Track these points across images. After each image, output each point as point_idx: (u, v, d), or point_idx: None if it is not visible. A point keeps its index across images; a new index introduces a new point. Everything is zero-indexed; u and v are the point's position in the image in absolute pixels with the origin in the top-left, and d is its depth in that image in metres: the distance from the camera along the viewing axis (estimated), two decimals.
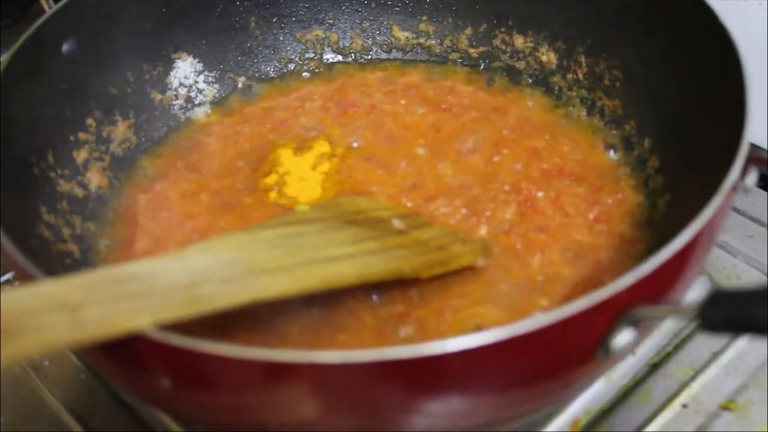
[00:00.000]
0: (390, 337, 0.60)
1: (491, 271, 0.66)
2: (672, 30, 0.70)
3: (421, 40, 0.90)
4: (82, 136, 0.74)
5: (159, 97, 0.82)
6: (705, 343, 0.69)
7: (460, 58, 0.89)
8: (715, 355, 0.68)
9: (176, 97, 0.84)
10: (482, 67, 0.88)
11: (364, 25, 0.91)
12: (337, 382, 0.44)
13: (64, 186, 0.70)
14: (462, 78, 0.87)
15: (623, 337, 0.47)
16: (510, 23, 0.86)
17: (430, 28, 0.90)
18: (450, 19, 0.89)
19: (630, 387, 0.66)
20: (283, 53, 0.89)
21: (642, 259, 0.50)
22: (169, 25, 0.82)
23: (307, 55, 0.90)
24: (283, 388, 0.45)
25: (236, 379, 0.45)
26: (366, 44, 0.91)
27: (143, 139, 0.80)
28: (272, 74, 0.89)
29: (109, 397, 0.68)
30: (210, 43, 0.86)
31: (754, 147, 0.54)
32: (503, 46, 0.87)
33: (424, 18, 0.90)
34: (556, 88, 0.83)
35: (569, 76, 0.82)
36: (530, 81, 0.85)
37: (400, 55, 0.91)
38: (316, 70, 0.90)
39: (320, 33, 0.90)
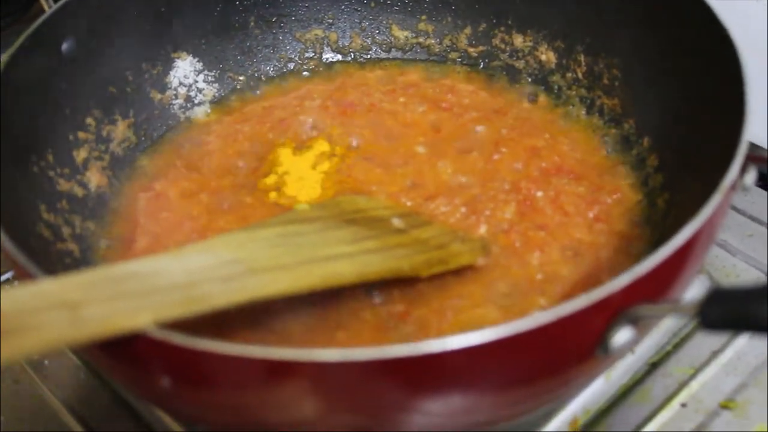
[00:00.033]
0: (390, 336, 0.61)
1: (491, 270, 0.66)
2: (671, 29, 0.70)
3: (421, 40, 0.90)
4: (81, 135, 0.74)
5: (158, 96, 0.83)
6: (704, 341, 0.69)
7: (459, 58, 0.89)
8: (715, 354, 0.68)
9: (176, 96, 0.84)
10: (482, 66, 0.88)
11: (363, 24, 0.91)
12: (337, 381, 0.44)
13: (63, 185, 0.70)
14: (461, 77, 0.87)
15: (622, 335, 0.47)
16: (509, 22, 0.86)
17: (430, 28, 0.90)
18: (449, 19, 0.89)
19: (629, 386, 0.67)
20: (282, 52, 0.90)
21: (641, 257, 0.50)
22: (169, 24, 0.82)
23: (306, 55, 0.90)
24: (283, 387, 0.45)
25: (236, 377, 0.45)
26: (365, 43, 0.91)
27: (143, 138, 0.80)
28: (272, 73, 0.89)
29: (110, 396, 0.68)
30: (209, 43, 0.86)
31: (753, 146, 0.54)
32: (502, 46, 0.87)
33: (424, 17, 0.90)
34: (556, 87, 0.83)
35: (568, 75, 0.82)
36: (530, 80, 0.85)
37: (399, 54, 0.91)
38: (316, 70, 0.90)
39: (320, 32, 0.90)
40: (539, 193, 0.72)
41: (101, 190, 0.74)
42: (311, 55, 0.90)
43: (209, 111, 0.85)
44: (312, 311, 0.62)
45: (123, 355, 0.47)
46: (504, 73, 0.86)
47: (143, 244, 0.70)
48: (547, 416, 0.64)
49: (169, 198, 0.74)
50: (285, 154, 0.78)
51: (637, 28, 0.75)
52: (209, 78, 0.86)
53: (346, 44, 0.91)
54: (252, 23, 0.88)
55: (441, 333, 0.60)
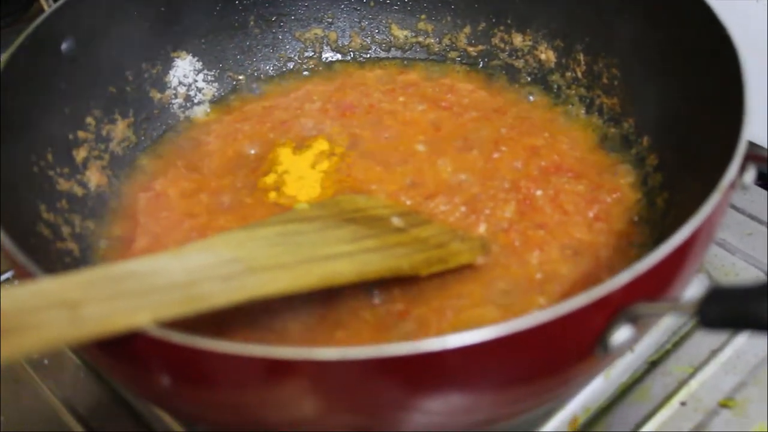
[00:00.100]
0: (389, 335, 0.61)
1: (490, 269, 0.66)
2: (671, 29, 0.70)
3: (420, 39, 0.90)
4: (81, 134, 0.74)
5: (158, 95, 0.83)
6: (704, 340, 0.69)
7: (459, 57, 0.89)
8: (714, 353, 0.68)
9: (175, 95, 0.84)
10: (481, 65, 0.88)
11: (363, 23, 0.91)
12: (336, 380, 0.44)
13: (63, 184, 0.70)
14: (461, 76, 0.87)
15: (622, 334, 0.47)
16: (509, 21, 0.86)
17: (429, 27, 0.90)
18: (449, 18, 0.89)
19: (629, 385, 0.67)
20: (282, 52, 0.90)
21: (641, 256, 0.50)
22: (168, 24, 0.82)
23: (306, 54, 0.90)
24: (282, 385, 0.45)
25: (235, 375, 0.45)
26: (365, 43, 0.91)
27: (142, 137, 0.80)
28: (271, 73, 0.89)
29: (110, 395, 0.68)
30: (209, 42, 0.86)
31: (752, 145, 0.54)
32: (502, 45, 0.87)
33: (423, 16, 0.90)
34: (555, 86, 0.83)
35: (568, 74, 0.83)
36: (529, 79, 0.85)
37: (399, 53, 0.91)
38: (316, 69, 0.90)
39: (319, 32, 0.90)
40: (539, 192, 0.72)
41: (101, 190, 0.74)
42: (311, 54, 0.90)
43: (209, 110, 0.85)
44: (311, 310, 0.62)
45: (123, 354, 0.47)
46: (503, 72, 0.87)
47: (143, 243, 0.70)
48: (547, 415, 0.64)
49: (168, 197, 0.74)
50: (285, 154, 0.78)
51: (636, 28, 0.75)
52: (209, 77, 0.86)
53: (346, 43, 0.91)
54: (251, 22, 0.88)
55: (441, 332, 0.60)
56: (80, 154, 0.73)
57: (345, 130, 0.80)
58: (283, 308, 0.61)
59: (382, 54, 0.91)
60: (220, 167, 0.77)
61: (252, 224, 0.61)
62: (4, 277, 0.78)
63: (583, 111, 0.80)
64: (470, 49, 0.89)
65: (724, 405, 0.65)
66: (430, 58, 0.90)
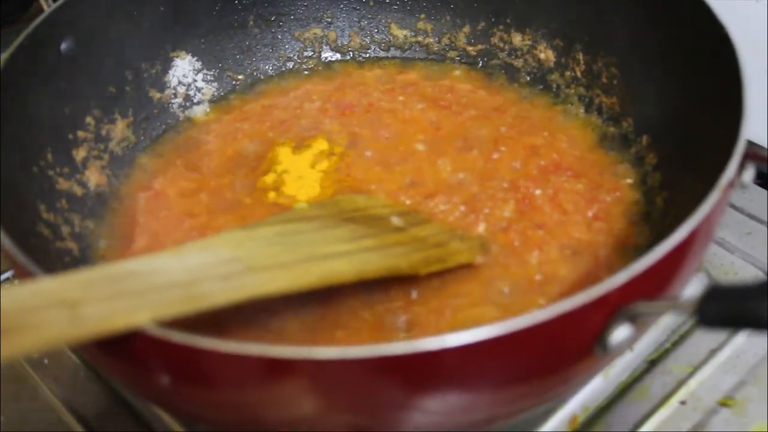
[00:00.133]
0: (388, 334, 0.61)
1: (489, 268, 0.66)
2: (671, 28, 0.70)
3: (420, 38, 0.90)
4: (80, 134, 0.74)
5: (158, 95, 0.83)
6: (703, 339, 0.69)
7: (458, 56, 0.89)
8: (713, 352, 0.68)
9: (175, 95, 0.84)
10: (480, 65, 0.88)
11: (362, 23, 0.91)
12: (335, 379, 0.44)
13: (63, 184, 0.70)
14: (460, 76, 0.87)
15: (621, 333, 0.47)
16: (508, 21, 0.86)
17: (429, 26, 0.90)
18: (448, 17, 0.89)
19: (628, 384, 0.67)
20: (281, 51, 0.90)
21: (640, 255, 0.50)
22: (168, 23, 0.82)
23: (305, 54, 0.90)
24: (281, 384, 0.45)
25: (234, 375, 0.45)
26: (364, 42, 0.91)
27: (142, 137, 0.80)
28: (271, 72, 0.89)
29: (109, 395, 0.68)
30: (209, 42, 0.86)
31: (751, 144, 0.54)
32: (501, 44, 0.87)
33: (423, 16, 0.90)
34: (554, 85, 0.83)
35: (567, 73, 0.83)
36: (528, 78, 0.85)
37: (398, 53, 0.91)
38: (315, 69, 0.90)
39: (318, 31, 0.90)
40: (538, 192, 0.72)
41: (100, 189, 0.74)
42: (310, 54, 0.90)
43: (208, 110, 0.85)
44: (311, 310, 0.62)
45: (122, 353, 0.47)
46: (503, 71, 0.87)
47: (142, 242, 0.70)
48: (546, 414, 0.64)
49: (168, 197, 0.75)
50: (284, 153, 0.78)
51: (636, 27, 0.75)
52: (208, 77, 0.86)
53: (345, 43, 0.91)
54: (251, 22, 0.88)
55: (439, 331, 0.60)
56: (80, 154, 0.73)
57: (344, 130, 0.80)
58: (282, 308, 0.61)
59: (382, 53, 0.91)
60: (219, 167, 0.77)
61: (251, 224, 0.61)
62: (4, 276, 0.78)
63: (582, 110, 0.80)
64: (469, 48, 0.89)
65: (723, 404, 0.65)
66: (430, 57, 0.90)
